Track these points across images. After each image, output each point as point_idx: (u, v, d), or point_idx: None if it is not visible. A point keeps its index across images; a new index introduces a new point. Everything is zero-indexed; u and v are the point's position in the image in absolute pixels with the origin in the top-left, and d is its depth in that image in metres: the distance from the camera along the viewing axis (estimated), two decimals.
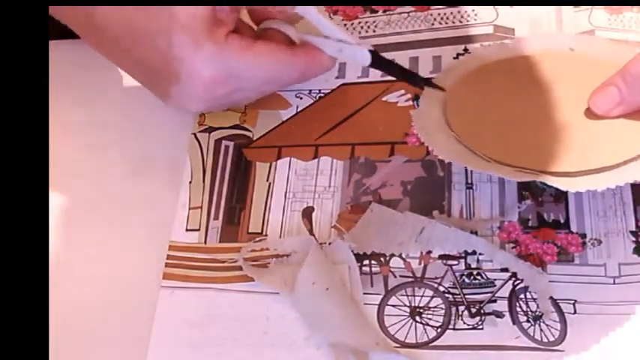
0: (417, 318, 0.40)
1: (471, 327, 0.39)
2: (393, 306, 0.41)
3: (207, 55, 0.39)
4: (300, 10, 0.41)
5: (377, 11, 0.53)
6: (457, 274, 0.41)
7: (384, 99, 0.48)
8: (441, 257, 0.42)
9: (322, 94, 0.49)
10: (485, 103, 0.43)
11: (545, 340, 0.38)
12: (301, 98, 0.49)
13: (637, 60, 0.38)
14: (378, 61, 0.43)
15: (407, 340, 0.39)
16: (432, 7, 0.52)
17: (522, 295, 0.40)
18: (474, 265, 0.41)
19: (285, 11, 0.44)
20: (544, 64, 0.45)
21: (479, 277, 0.41)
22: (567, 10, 0.50)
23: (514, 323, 0.39)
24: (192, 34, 0.39)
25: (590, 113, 0.40)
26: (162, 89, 0.43)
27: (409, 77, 0.44)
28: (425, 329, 0.40)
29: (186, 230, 0.45)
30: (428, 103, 0.44)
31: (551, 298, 0.39)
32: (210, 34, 0.39)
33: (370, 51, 0.42)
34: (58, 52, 0.48)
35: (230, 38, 0.40)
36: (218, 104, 0.45)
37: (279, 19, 0.44)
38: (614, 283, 0.40)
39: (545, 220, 0.42)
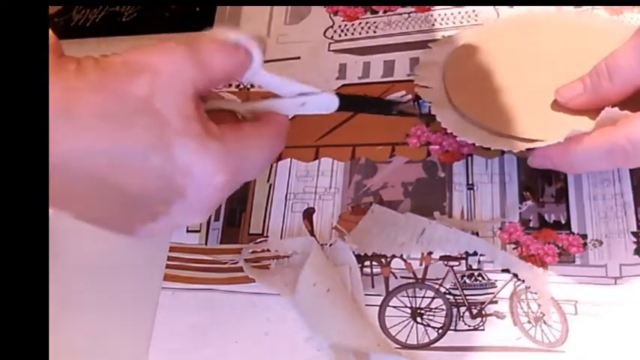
0: (418, 319, 0.40)
1: (472, 328, 0.39)
2: (394, 307, 0.41)
3: (215, 156, 0.32)
4: (250, 77, 0.36)
5: (377, 12, 0.53)
6: (458, 275, 0.41)
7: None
8: (442, 258, 0.42)
9: None
10: (482, 70, 0.44)
11: (546, 341, 0.38)
12: None
13: (604, 58, 0.39)
14: (347, 101, 0.39)
15: (408, 342, 0.39)
16: (433, 8, 0.52)
17: (523, 296, 0.40)
18: (475, 266, 0.41)
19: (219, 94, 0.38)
20: (544, 33, 0.46)
21: (480, 278, 0.41)
22: (568, 10, 0.50)
23: (515, 324, 0.39)
24: (195, 138, 0.32)
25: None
26: (146, 217, 0.34)
27: (383, 105, 0.43)
28: (426, 330, 0.39)
29: (187, 231, 0.45)
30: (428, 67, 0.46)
31: (552, 298, 0.39)
32: (208, 131, 0.33)
33: (337, 94, 0.38)
34: None
35: (222, 130, 0.34)
36: (218, 205, 0.38)
37: (222, 99, 0.38)
38: (615, 283, 0.40)
39: (547, 220, 0.42)
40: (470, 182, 0.44)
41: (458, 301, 0.40)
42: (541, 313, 0.39)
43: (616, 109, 0.37)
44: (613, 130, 0.37)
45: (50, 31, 0.32)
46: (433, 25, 0.51)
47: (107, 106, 0.31)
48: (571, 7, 0.50)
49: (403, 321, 0.40)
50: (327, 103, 0.38)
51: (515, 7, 0.51)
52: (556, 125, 0.39)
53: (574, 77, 0.40)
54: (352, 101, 0.40)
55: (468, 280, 0.41)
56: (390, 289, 0.41)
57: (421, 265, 0.42)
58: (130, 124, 0.31)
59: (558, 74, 0.41)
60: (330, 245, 0.42)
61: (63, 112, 0.31)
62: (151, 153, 0.31)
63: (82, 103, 0.30)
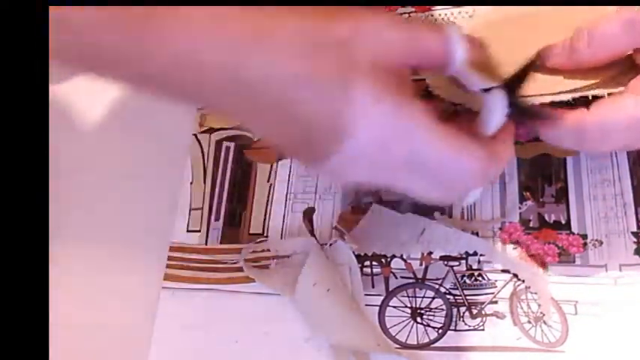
0: (418, 319, 0.40)
1: (472, 328, 0.39)
2: (394, 307, 0.41)
3: (386, 110, 0.32)
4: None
5: None
6: (458, 275, 0.41)
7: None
8: (442, 258, 0.42)
9: None
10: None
11: (546, 341, 0.38)
12: None
13: (587, 23, 0.38)
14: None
15: (408, 342, 0.39)
16: (433, 8, 0.52)
17: (523, 296, 0.40)
18: (475, 266, 0.41)
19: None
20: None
21: (480, 278, 0.41)
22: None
23: (515, 324, 0.39)
24: (374, 88, 0.32)
25: None
26: (325, 149, 0.34)
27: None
28: (426, 330, 0.40)
29: (187, 231, 0.45)
30: None
31: (552, 298, 0.39)
32: (394, 90, 0.32)
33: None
34: None
35: (416, 105, 0.33)
36: (383, 176, 0.35)
37: None
38: (615, 284, 0.40)
39: (547, 220, 0.42)
40: None
41: (458, 301, 0.40)
42: (541, 313, 0.39)
43: None
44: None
45: None
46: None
47: (305, 34, 0.32)
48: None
49: (403, 321, 0.40)
50: (500, 103, 0.36)
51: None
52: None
53: None
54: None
55: (468, 280, 0.41)
56: (390, 289, 0.41)
57: (421, 265, 0.42)
58: (321, 54, 0.31)
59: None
60: (330, 245, 0.42)
61: (258, 36, 0.31)
62: (331, 85, 0.31)
63: (279, 28, 0.31)
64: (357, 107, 0.32)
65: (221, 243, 0.44)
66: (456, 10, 0.52)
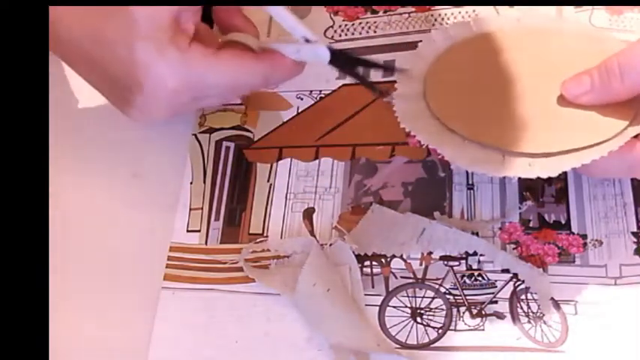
0: (418, 319, 0.40)
1: (472, 328, 0.39)
2: (394, 307, 0.41)
3: (171, 62, 0.39)
4: (266, 8, 0.40)
5: (377, 12, 0.53)
6: (458, 275, 0.41)
7: (385, 99, 0.48)
8: (442, 258, 0.42)
9: (323, 95, 0.49)
10: (463, 82, 0.42)
11: (546, 340, 0.38)
12: (302, 99, 0.49)
13: (615, 54, 0.38)
14: (337, 58, 0.41)
15: (408, 342, 0.39)
16: (433, 8, 0.52)
17: (523, 296, 0.40)
18: (475, 266, 0.41)
19: (250, 25, 0.43)
20: (518, 40, 0.44)
21: (480, 278, 0.41)
22: (568, 11, 0.50)
23: (515, 324, 0.39)
24: (155, 41, 0.38)
25: (561, 98, 0.39)
26: (125, 100, 0.41)
27: (366, 83, 0.43)
28: (426, 330, 0.40)
29: (187, 231, 0.45)
30: (407, 85, 0.43)
31: (552, 299, 0.39)
32: (173, 41, 0.38)
33: (329, 49, 0.41)
34: None
35: (193, 45, 0.39)
36: (182, 110, 0.43)
37: (242, 33, 0.43)
38: (615, 284, 0.40)
39: (546, 220, 0.42)
40: (470, 182, 0.44)
41: (458, 301, 0.40)
42: (541, 313, 0.39)
43: None
44: None
45: None
46: (433, 25, 0.51)
47: (98, 10, 0.39)
48: (571, 8, 0.50)
49: (403, 321, 0.40)
50: (320, 54, 0.41)
51: (516, 7, 0.51)
52: (557, 137, 0.38)
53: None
54: (343, 61, 0.42)
55: (468, 280, 0.41)
56: (390, 289, 0.41)
57: (421, 265, 0.42)
58: (108, 20, 0.38)
59: (540, 84, 0.40)
60: (330, 245, 0.42)
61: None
62: (118, 45, 0.38)
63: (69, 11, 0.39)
64: (143, 63, 0.38)
65: (221, 243, 0.44)
66: (455, 10, 0.52)
